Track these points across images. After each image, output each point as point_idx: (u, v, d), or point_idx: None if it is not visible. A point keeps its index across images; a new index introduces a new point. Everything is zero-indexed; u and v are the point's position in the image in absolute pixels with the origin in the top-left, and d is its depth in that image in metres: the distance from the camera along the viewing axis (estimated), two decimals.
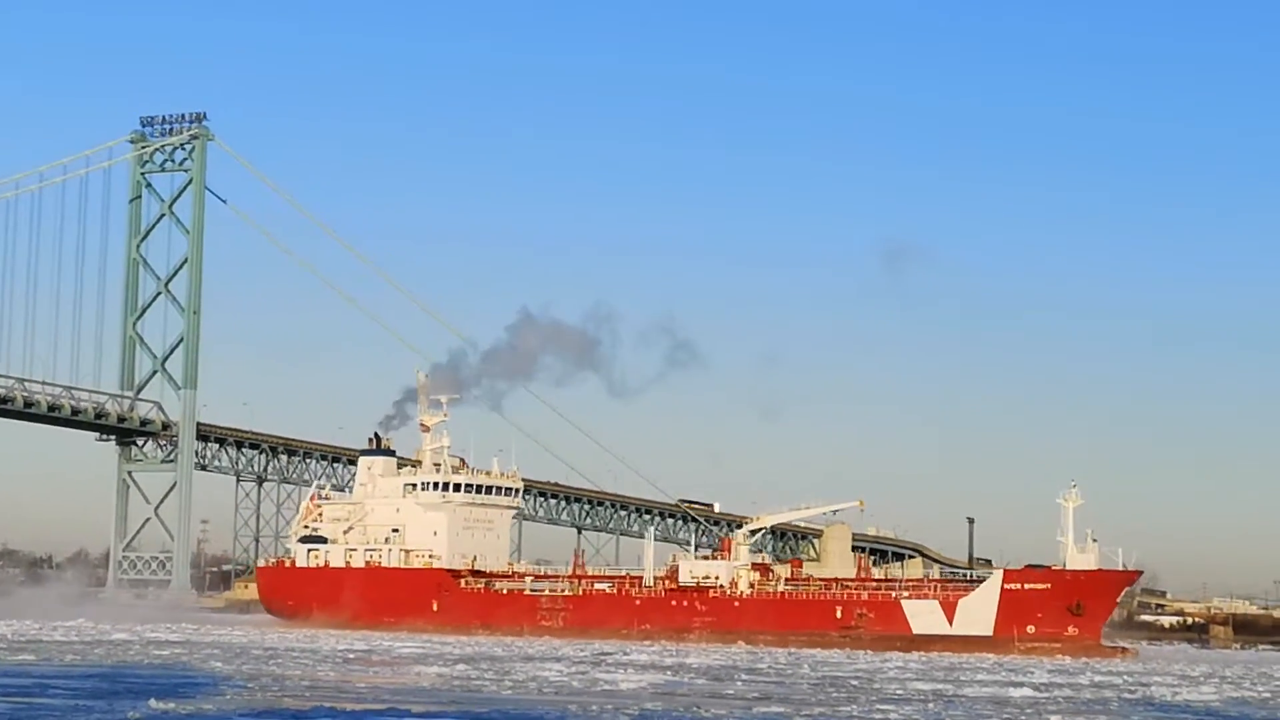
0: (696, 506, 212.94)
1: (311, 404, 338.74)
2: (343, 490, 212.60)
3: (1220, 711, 68.94)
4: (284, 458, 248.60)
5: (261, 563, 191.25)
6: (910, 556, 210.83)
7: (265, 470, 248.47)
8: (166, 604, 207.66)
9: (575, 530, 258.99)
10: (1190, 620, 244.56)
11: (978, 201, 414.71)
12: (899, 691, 73.22)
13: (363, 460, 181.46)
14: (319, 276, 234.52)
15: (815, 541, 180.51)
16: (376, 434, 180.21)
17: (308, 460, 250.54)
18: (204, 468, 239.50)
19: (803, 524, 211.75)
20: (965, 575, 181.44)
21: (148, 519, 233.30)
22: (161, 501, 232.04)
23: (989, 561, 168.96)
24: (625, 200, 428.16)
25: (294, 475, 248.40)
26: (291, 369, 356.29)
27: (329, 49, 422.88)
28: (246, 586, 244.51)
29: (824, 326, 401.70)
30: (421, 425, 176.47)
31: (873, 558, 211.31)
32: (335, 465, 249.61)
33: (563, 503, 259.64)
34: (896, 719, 58.80)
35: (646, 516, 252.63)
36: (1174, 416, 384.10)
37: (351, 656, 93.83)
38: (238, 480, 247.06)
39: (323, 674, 76.29)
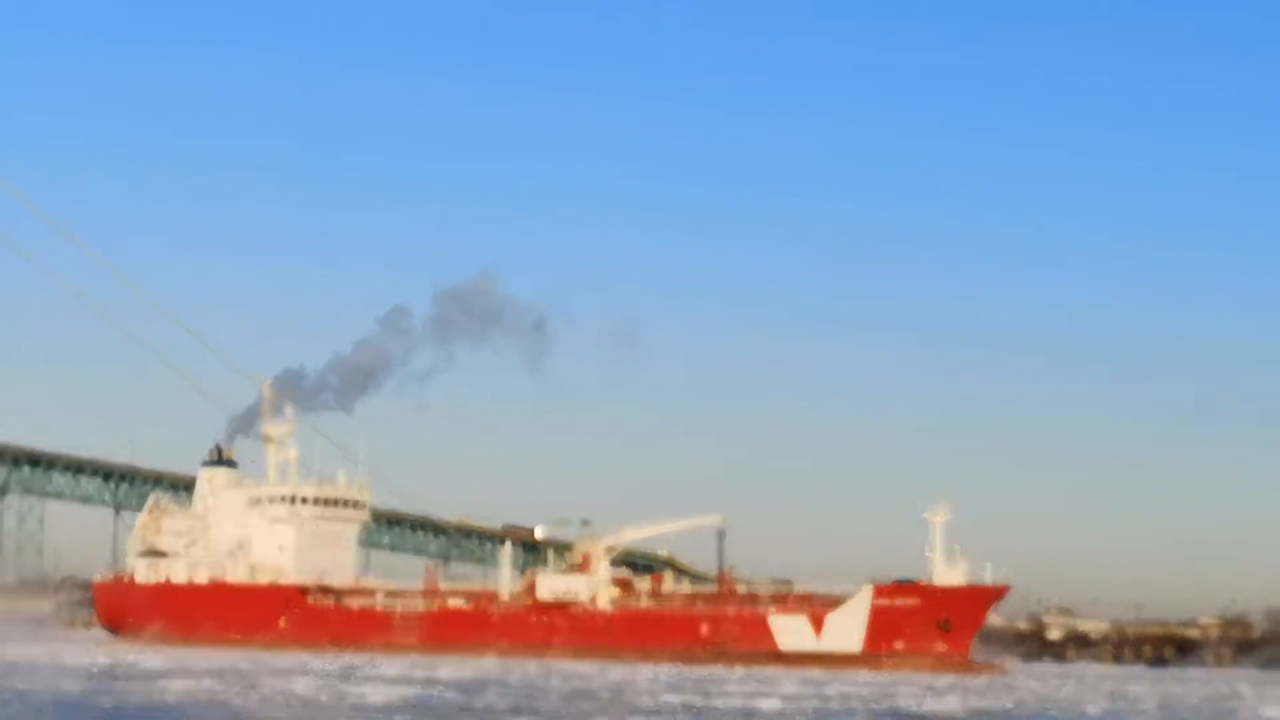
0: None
1: (59, 414, 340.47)
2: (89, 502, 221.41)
3: None
4: (27, 469, 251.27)
5: (98, 577, 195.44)
6: (661, 569, 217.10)
7: (6, 482, 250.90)
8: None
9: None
10: None
11: (867, 222, 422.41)
12: (649, 703, 78.10)
13: (203, 471, 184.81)
14: (65, 283, 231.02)
15: (567, 554, 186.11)
16: (218, 445, 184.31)
17: (50, 471, 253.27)
18: None
19: (553, 537, 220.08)
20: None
21: None
22: None
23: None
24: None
25: (37, 488, 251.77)
26: (38, 378, 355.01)
27: (88, 47, 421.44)
28: None
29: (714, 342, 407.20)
30: (265, 436, 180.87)
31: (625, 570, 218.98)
32: (79, 477, 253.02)
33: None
34: None
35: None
36: (1043, 431, 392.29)
37: (96, 671, 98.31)
38: None
39: (67, 689, 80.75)
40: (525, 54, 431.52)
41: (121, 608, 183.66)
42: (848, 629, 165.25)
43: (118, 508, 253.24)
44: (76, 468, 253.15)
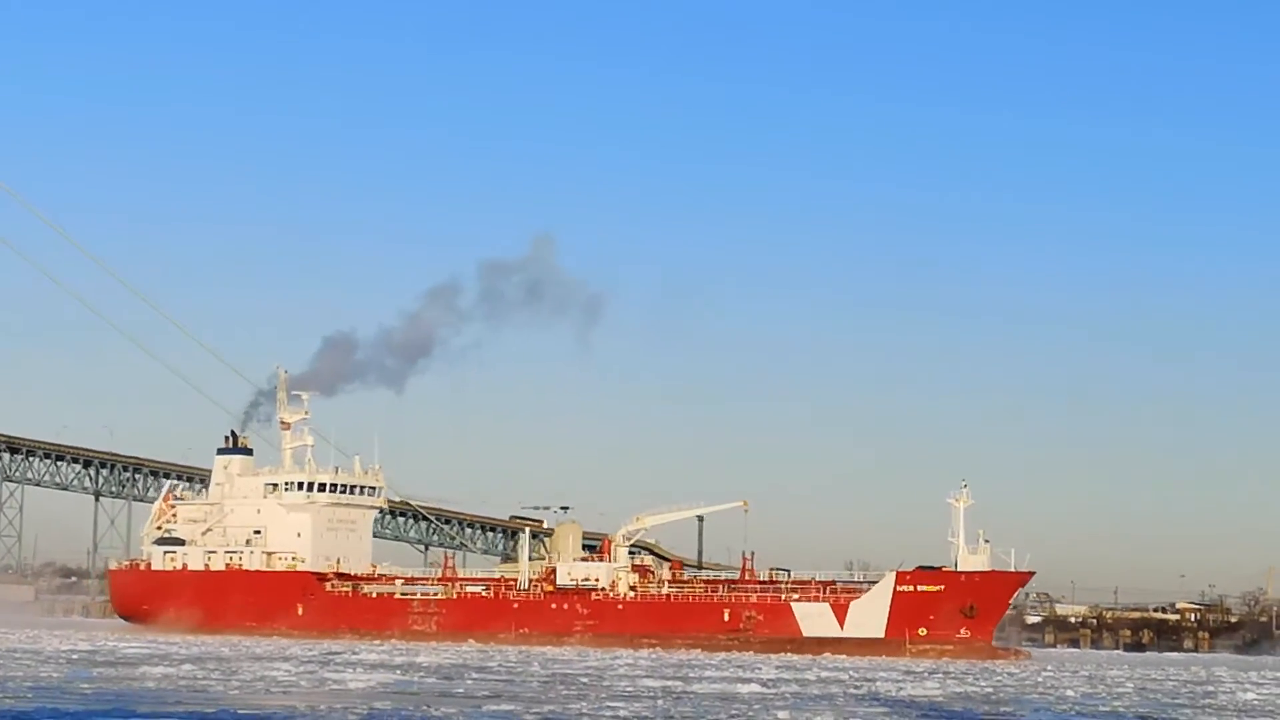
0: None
1: (38, 401, 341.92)
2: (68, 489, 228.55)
3: (944, 706, 74.92)
4: (6, 456, 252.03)
5: (113, 565, 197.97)
6: (640, 554, 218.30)
7: None
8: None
9: None
10: None
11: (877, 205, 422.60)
12: (628, 688, 79.04)
13: (219, 459, 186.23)
14: (28, 260, 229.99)
15: (546, 540, 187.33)
16: (234, 432, 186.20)
17: (29, 458, 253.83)
18: None
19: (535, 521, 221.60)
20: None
21: None
22: None
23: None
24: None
25: (16, 474, 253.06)
26: (16, 364, 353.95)
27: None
28: None
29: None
30: (281, 422, 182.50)
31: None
32: (59, 463, 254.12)
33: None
34: (626, 715, 64.07)
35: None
36: (1019, 417, 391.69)
37: (75, 657, 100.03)
38: None
39: (46, 675, 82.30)
40: (575, 30, 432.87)
41: (138, 595, 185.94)
42: (871, 615, 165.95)
43: (97, 495, 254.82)
44: (56, 454, 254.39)
